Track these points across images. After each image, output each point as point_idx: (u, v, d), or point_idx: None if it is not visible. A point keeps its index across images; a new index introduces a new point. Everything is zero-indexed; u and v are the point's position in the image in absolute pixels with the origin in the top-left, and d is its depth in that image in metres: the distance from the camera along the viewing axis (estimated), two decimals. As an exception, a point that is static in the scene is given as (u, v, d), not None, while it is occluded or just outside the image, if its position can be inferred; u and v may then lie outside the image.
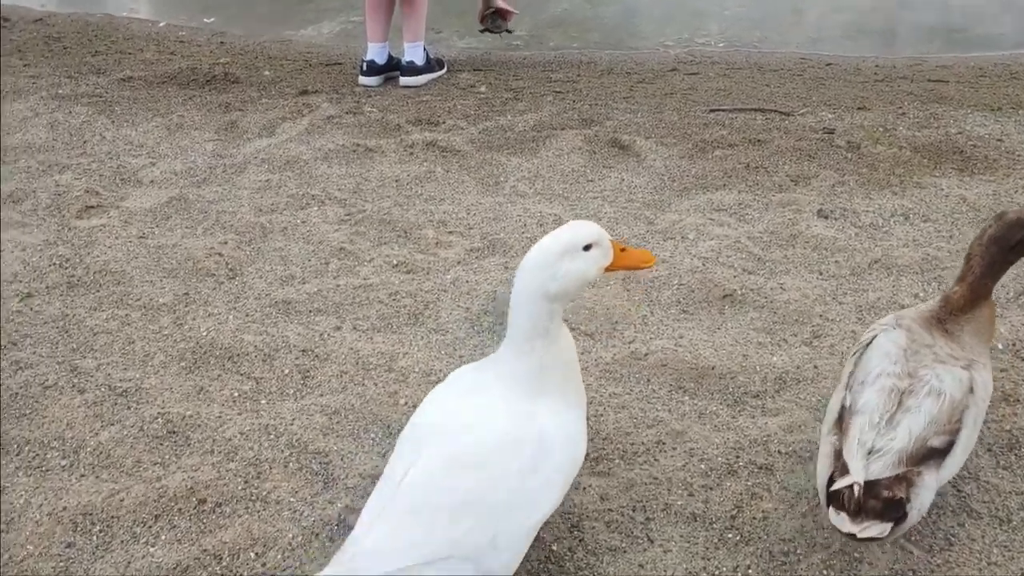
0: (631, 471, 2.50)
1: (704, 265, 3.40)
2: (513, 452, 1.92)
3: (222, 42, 6.62)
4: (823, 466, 2.12)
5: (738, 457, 2.54)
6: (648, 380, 2.85)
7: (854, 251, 3.48)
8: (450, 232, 3.77)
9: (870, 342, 2.29)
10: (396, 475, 1.94)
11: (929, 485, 2.05)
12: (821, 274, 3.36)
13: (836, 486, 2.01)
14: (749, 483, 2.46)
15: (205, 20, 7.28)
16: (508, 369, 2.00)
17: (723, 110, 4.98)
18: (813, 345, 2.98)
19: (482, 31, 6.09)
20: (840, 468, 2.04)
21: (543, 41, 6.63)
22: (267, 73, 5.88)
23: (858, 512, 1.97)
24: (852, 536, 1.98)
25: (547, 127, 4.78)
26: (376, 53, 5.64)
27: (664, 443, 2.60)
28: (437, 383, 2.86)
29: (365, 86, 5.62)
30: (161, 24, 7.11)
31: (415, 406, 2.76)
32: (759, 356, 2.93)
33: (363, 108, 5.12)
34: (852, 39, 6.50)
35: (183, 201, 4.06)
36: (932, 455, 2.06)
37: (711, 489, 2.45)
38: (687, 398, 2.78)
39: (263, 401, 2.85)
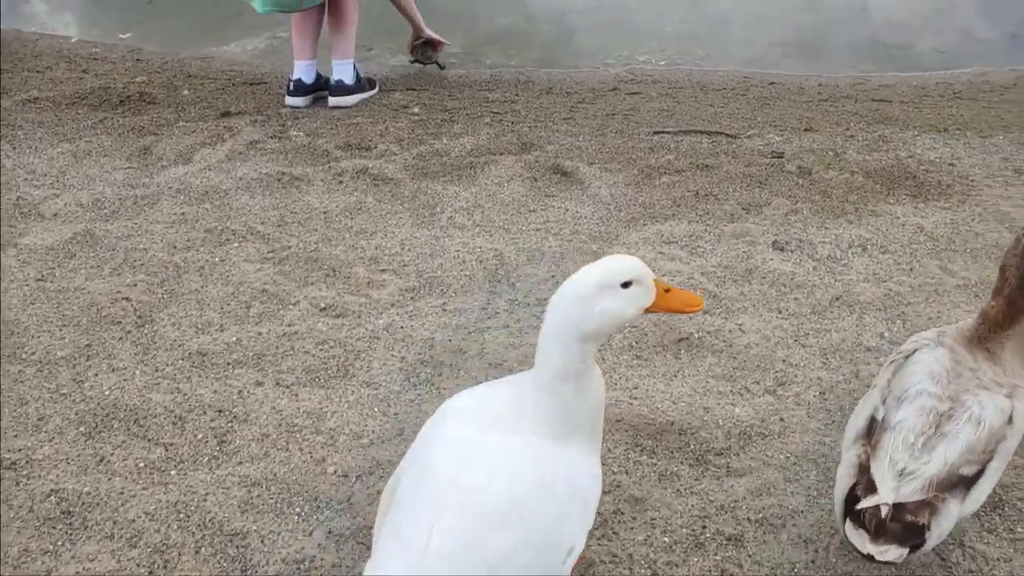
0: (587, 547, 2.25)
1: (657, 304, 3.18)
2: (546, 501, 1.77)
3: (138, 59, 6.23)
4: (844, 476, 2.07)
5: (704, 527, 2.31)
6: (603, 438, 2.60)
7: (813, 287, 3.30)
8: (383, 270, 3.49)
9: (910, 354, 2.23)
10: (418, 538, 1.71)
11: (951, 513, 2.00)
12: (781, 312, 3.16)
13: (863, 505, 1.96)
14: (718, 558, 2.23)
15: (120, 36, 6.86)
16: (532, 408, 1.81)
17: (667, 132, 4.78)
18: (777, 394, 2.77)
19: (412, 62, 5.87)
20: (866, 484, 1.99)
21: (479, 59, 6.38)
22: (186, 93, 5.52)
23: (879, 534, 1.93)
24: (870, 558, 1.93)
25: (485, 152, 4.53)
26: (303, 72, 5.33)
27: (623, 512, 2.36)
28: (370, 445, 2.61)
29: (292, 107, 5.30)
30: (73, 40, 6.68)
31: (344, 474, 2.49)
32: (720, 408, 2.71)
33: (289, 132, 4.80)
34: (792, 57, 6.38)
35: (89, 237, 3.70)
36: (960, 483, 2.01)
37: (676, 566, 2.21)
38: (645, 457, 2.54)
39: (173, 472, 2.53)
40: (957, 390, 2.10)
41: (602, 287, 1.75)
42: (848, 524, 1.98)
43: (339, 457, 2.55)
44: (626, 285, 1.77)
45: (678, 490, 2.43)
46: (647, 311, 1.83)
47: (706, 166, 4.29)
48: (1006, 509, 2.35)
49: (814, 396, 2.75)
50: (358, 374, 2.91)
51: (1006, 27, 6.65)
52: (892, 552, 1.92)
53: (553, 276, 3.39)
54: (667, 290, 1.84)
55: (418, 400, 2.79)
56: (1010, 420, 2.09)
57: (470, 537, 1.71)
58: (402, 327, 3.12)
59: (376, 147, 4.60)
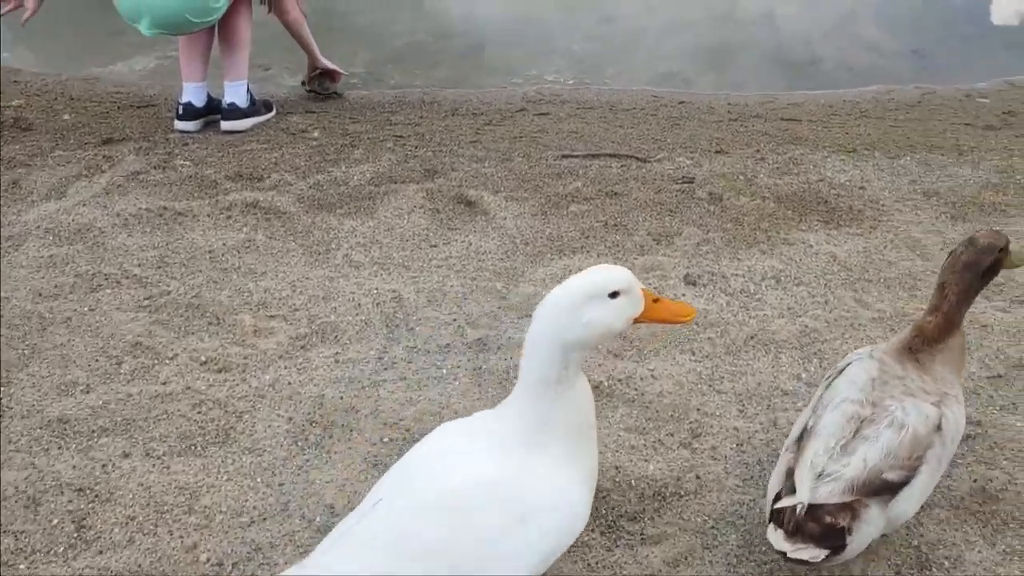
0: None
1: (565, 349, 2.99)
2: (494, 506, 1.71)
3: (16, 81, 5.82)
4: (773, 483, 2.12)
5: (617, 607, 2.12)
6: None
7: (727, 325, 3.15)
8: (271, 316, 3.22)
9: (844, 368, 2.26)
10: (363, 507, 1.79)
11: (875, 519, 2.01)
12: (694, 354, 3.00)
13: (780, 504, 2.00)
14: (632, 643, 2.04)
15: (-3, 55, 6.42)
16: (513, 414, 1.79)
17: (576, 156, 4.62)
18: (692, 447, 2.60)
19: (308, 91, 5.58)
20: (788, 487, 2.03)
21: (383, 79, 6.14)
22: (67, 118, 5.15)
23: (795, 532, 1.95)
24: (783, 555, 1.95)
25: (386, 180, 4.30)
26: (193, 94, 5.01)
27: (529, 593, 2.15)
28: (250, 525, 2.35)
29: (181, 132, 4.98)
30: (-58, 60, 6.22)
31: (219, 563, 2.23)
32: (633, 465, 2.52)
33: (175, 161, 4.49)
34: (703, 75, 6.31)
35: (-57, 286, 3.35)
36: (886, 488, 2.02)
37: (587, 655, 2.01)
38: (553, 526, 2.34)
39: (22, 566, 2.23)
40: (881, 396, 2.11)
41: (589, 297, 1.72)
42: (770, 526, 2.01)
43: (214, 541, 2.28)
44: (614, 295, 1.73)
45: (590, 564, 2.23)
46: (636, 322, 1.79)
47: (615, 193, 4.13)
48: (933, 570, 2.21)
49: (731, 449, 2.59)
50: (239, 439, 2.65)
51: (908, 43, 6.70)
52: (807, 551, 1.93)
53: (455, 320, 3.18)
54: (656, 300, 1.81)
55: (306, 467, 2.54)
56: (938, 428, 2.10)
57: (409, 515, 1.69)
58: (290, 382, 2.86)
59: (269, 177, 4.32)
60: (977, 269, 2.20)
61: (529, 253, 3.64)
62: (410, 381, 2.87)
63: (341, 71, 5.59)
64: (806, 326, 3.13)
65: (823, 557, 1.94)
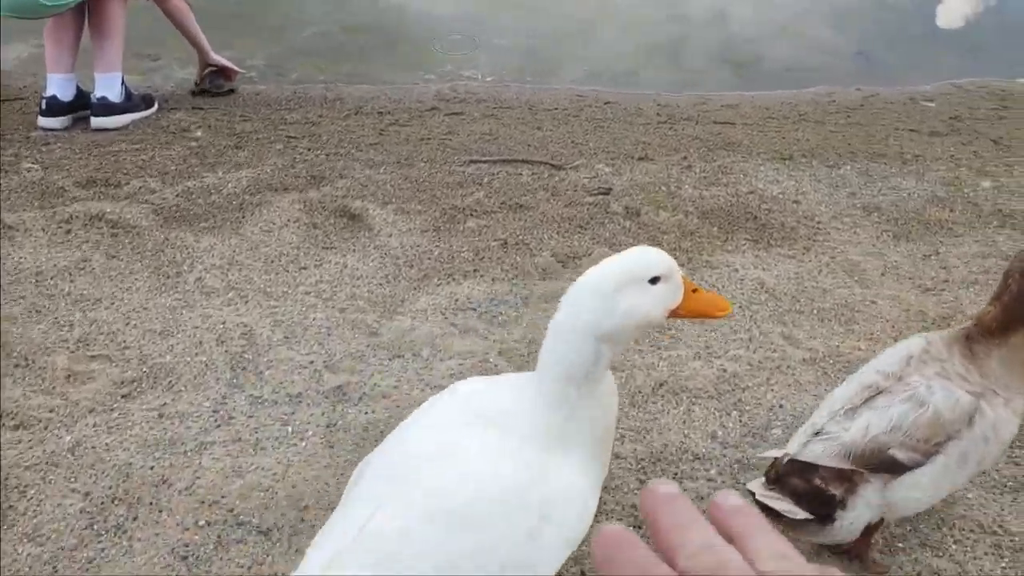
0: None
1: (439, 399, 2.51)
2: (516, 514, 1.53)
3: None
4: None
5: None
6: None
7: (634, 368, 2.69)
8: (93, 356, 2.69)
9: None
10: (359, 512, 1.50)
11: (873, 497, 1.85)
12: (592, 406, 2.53)
13: (766, 454, 1.94)
14: None
15: None
16: (528, 410, 1.58)
17: (483, 162, 4.14)
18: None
19: (201, 91, 4.97)
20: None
21: (284, 73, 5.58)
22: (-84, 112, 4.54)
23: (775, 482, 1.84)
24: (752, 495, 1.84)
25: (264, 188, 3.77)
26: (58, 87, 4.43)
27: None
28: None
29: (45, 129, 4.40)
30: None
31: None
32: (504, 556, 2.05)
33: (21, 164, 3.91)
34: (635, 73, 5.86)
35: None
36: (891, 467, 1.84)
37: None
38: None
39: None
40: (910, 372, 1.94)
41: (628, 281, 1.51)
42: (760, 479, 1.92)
43: (-53, 674, 1.77)
44: (654, 281, 1.53)
45: None
46: (671, 315, 1.58)
47: (520, 206, 3.66)
48: None
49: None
50: (19, 522, 2.12)
51: (852, 44, 6.33)
52: (782, 504, 1.80)
53: (312, 362, 2.67)
54: (694, 290, 1.61)
55: (98, 560, 2.03)
56: (970, 421, 1.88)
57: (418, 528, 1.48)
58: (94, 446, 2.34)
59: (129, 183, 3.77)
60: None
61: (412, 277, 3.14)
62: (245, 443, 2.36)
63: (236, 68, 5.03)
64: (725, 370, 2.68)
65: (801, 518, 1.80)
